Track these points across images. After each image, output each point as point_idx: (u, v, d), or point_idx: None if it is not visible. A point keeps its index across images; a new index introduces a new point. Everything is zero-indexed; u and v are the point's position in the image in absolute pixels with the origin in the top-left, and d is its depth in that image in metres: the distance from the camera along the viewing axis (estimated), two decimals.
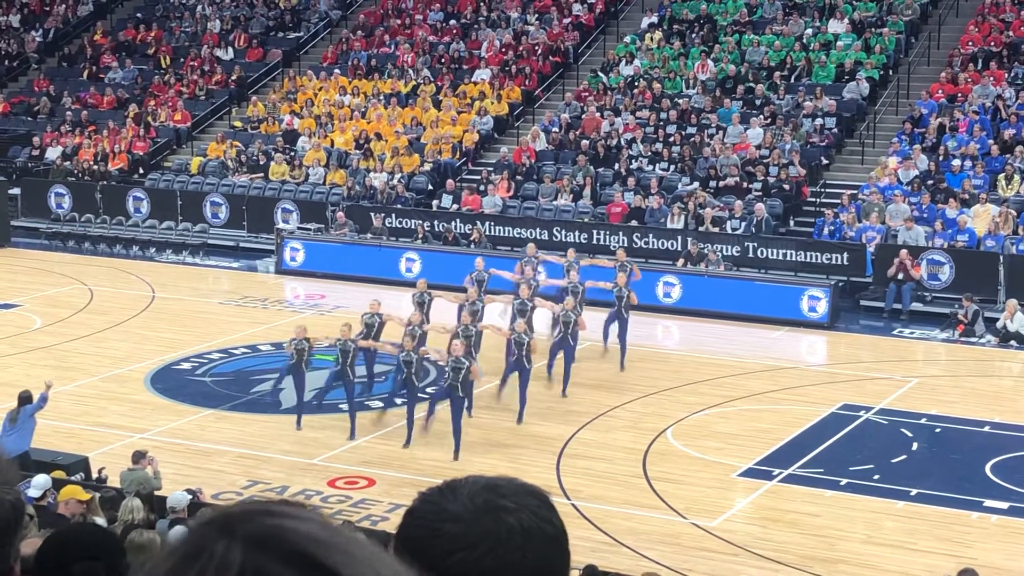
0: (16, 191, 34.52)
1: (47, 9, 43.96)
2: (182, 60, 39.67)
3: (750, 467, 18.24)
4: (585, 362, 22.96)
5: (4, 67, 41.71)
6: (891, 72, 33.50)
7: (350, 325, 20.02)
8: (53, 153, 36.23)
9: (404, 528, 1.84)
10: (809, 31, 34.73)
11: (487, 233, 29.29)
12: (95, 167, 35.14)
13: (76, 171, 35.13)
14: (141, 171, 35.48)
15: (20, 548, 2.11)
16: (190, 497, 14.02)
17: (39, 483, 13.53)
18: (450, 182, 31.76)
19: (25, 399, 16.99)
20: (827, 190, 30.35)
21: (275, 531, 1.52)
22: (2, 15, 43.78)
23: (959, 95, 31.73)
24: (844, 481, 17.69)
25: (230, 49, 39.80)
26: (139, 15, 42.69)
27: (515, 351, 20.17)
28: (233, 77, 38.40)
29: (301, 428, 19.55)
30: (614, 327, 23.03)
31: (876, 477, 17.84)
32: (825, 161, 31.14)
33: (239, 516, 1.54)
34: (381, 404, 20.71)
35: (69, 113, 37.74)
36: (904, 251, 26.38)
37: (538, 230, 29.35)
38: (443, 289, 23.20)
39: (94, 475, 16.32)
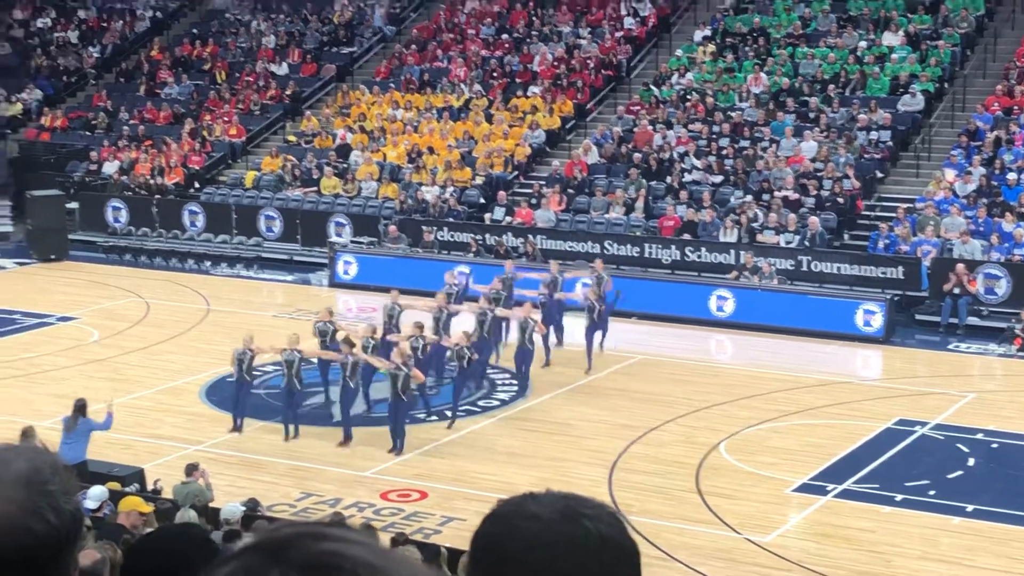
0: (74, 205, 34.88)
1: (105, 25, 44.45)
2: (237, 75, 39.99)
3: (804, 482, 18.11)
4: (633, 376, 22.92)
5: (63, 83, 42.20)
6: (946, 85, 33.21)
7: (298, 336, 20.43)
8: (110, 167, 36.59)
9: (483, 525, 1.86)
10: (863, 44, 34.50)
11: (540, 247, 29.27)
12: (151, 181, 35.46)
13: (133, 185, 35.46)
14: (197, 185, 35.78)
15: (79, 559, 2.13)
16: (243, 509, 14.09)
17: (96, 494, 13.65)
18: (501, 194, 31.80)
19: (80, 407, 17.13)
20: (882, 204, 30.13)
21: (328, 557, 1.49)
22: (61, 31, 44.31)
23: (1015, 108, 31.42)
24: (900, 497, 17.53)
25: (284, 64, 40.08)
26: (195, 31, 43.07)
27: (456, 363, 20.74)
28: (287, 92, 38.64)
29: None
30: (596, 335, 23.54)
31: (932, 493, 17.67)
32: (880, 174, 30.92)
33: (288, 541, 1.51)
34: (436, 417, 20.75)
35: (126, 128, 38.11)
36: (960, 265, 26.13)
37: (590, 243, 29.31)
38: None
39: (149, 487, 16.42)
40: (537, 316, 22.63)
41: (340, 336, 21.15)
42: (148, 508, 12.15)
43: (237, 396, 20.25)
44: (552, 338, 23.75)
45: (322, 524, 1.56)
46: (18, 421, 18.06)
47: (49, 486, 1.94)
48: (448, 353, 21.44)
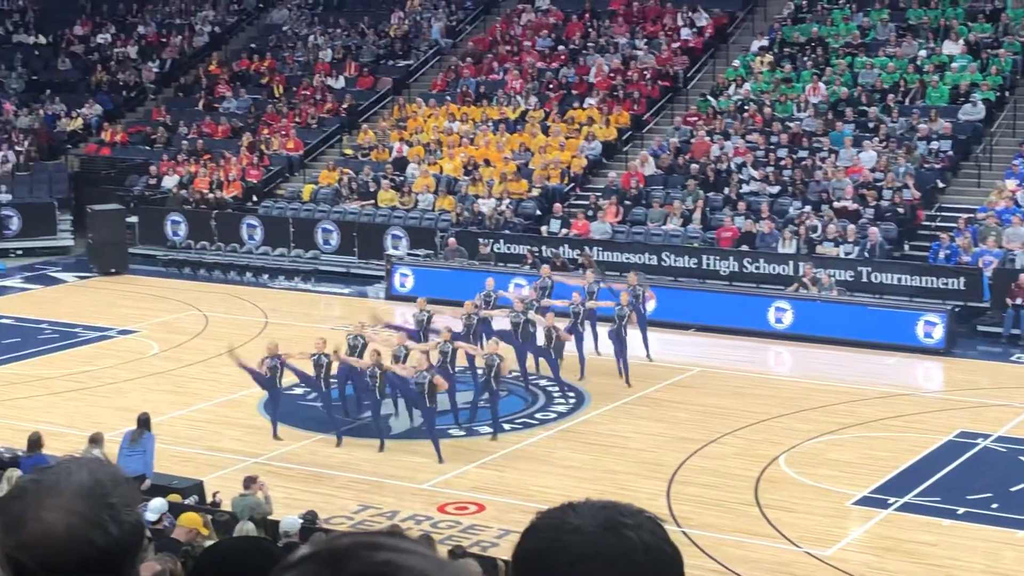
0: (134, 219, 35.24)
1: (164, 40, 44.90)
2: (295, 89, 40.25)
3: (865, 495, 17.94)
4: (692, 388, 22.81)
5: (123, 98, 42.65)
6: (1007, 94, 32.85)
7: (324, 340, 20.73)
8: (169, 182, 36.92)
9: (524, 541, 1.84)
10: (923, 53, 34.20)
11: (596, 259, 29.19)
12: (210, 195, 35.75)
13: (191, 199, 35.77)
14: (255, 199, 36.02)
15: (140, 571, 2.12)
16: (302, 521, 14.14)
17: (155, 507, 13.74)
18: (558, 206, 31.77)
19: (144, 421, 17.31)
20: (943, 214, 29.82)
21: (384, 568, 1.48)
22: (121, 47, 44.81)
23: None
24: (962, 510, 17.31)
25: (341, 78, 40.30)
26: (253, 45, 43.41)
27: (484, 372, 20.61)
28: (344, 105, 38.85)
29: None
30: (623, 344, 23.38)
31: (995, 506, 17.44)
32: (940, 184, 30.61)
33: (346, 551, 1.50)
34: (491, 430, 20.72)
35: (185, 142, 38.46)
36: (1023, 275, 25.82)
37: (647, 255, 29.21)
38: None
39: (208, 499, 16.52)
40: (561, 325, 22.67)
41: (370, 349, 21.23)
42: (206, 531, 12.19)
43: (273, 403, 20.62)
44: (590, 348, 23.74)
45: (379, 534, 1.55)
46: (79, 434, 18.25)
47: (111, 498, 1.94)
48: (478, 361, 21.43)
